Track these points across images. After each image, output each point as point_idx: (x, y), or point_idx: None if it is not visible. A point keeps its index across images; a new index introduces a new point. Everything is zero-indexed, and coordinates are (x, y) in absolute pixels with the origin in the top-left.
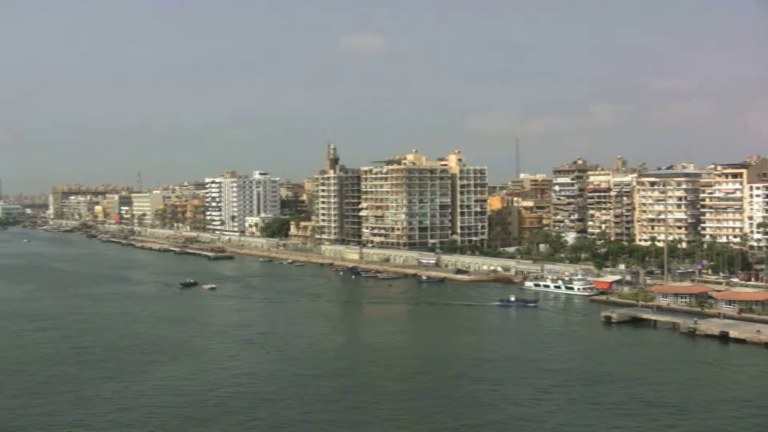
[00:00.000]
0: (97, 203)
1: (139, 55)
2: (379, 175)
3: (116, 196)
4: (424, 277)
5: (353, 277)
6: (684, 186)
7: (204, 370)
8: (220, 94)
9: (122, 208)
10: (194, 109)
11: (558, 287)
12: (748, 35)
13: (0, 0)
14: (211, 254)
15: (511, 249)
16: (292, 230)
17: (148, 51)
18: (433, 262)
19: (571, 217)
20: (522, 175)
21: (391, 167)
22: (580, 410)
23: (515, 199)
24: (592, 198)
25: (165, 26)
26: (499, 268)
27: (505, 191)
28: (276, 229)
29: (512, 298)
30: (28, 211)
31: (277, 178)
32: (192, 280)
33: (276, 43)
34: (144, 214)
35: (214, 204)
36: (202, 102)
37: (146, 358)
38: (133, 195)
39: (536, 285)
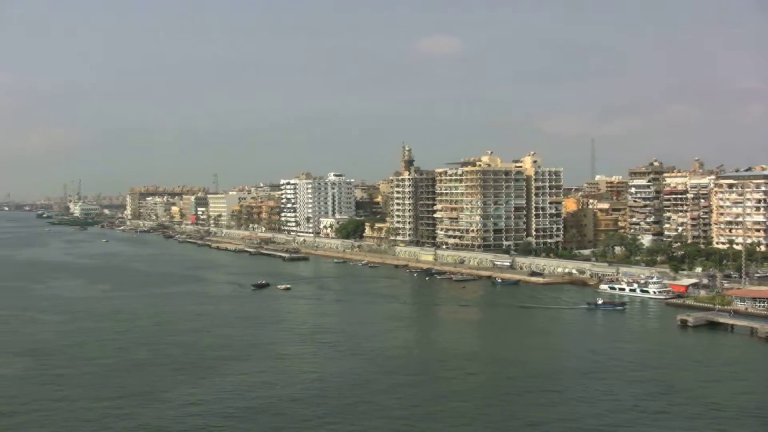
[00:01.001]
0: (174, 204)
1: (217, 56)
2: (454, 177)
3: (192, 197)
4: (499, 279)
5: (427, 278)
6: (763, 188)
7: (277, 369)
8: (296, 95)
9: (198, 209)
10: (270, 109)
11: (633, 290)
12: None
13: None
14: (285, 255)
15: (586, 251)
16: (367, 232)
17: (225, 52)
18: (508, 264)
19: (647, 220)
20: (597, 177)
21: (466, 169)
22: (660, 420)
23: (591, 201)
24: (669, 200)
25: (239, 26)
26: (574, 271)
27: (580, 193)
28: (351, 231)
29: (600, 302)
30: (106, 211)
31: (352, 180)
32: (264, 282)
33: (352, 44)
34: (220, 215)
35: (289, 205)
36: (279, 102)
37: (221, 357)
38: (209, 196)
39: (611, 288)
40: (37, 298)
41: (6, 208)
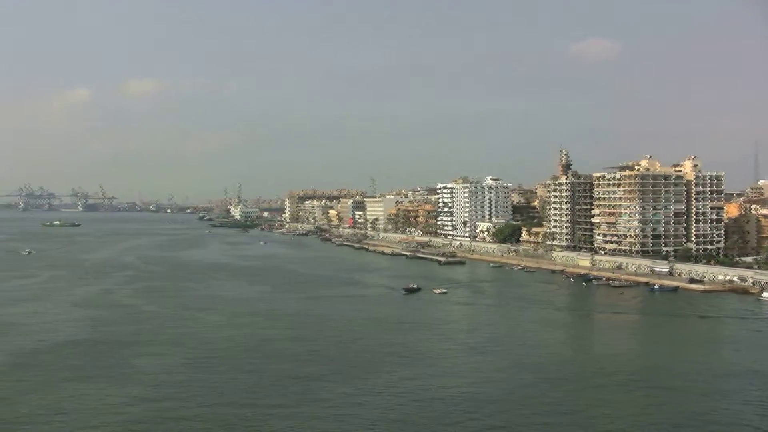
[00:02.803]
0: (332, 207)
1: (367, 60)
2: (612, 182)
3: (350, 201)
4: (657, 286)
5: (584, 284)
6: None
7: (430, 373)
8: (451, 99)
9: (356, 212)
10: (427, 113)
11: None
12: None
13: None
14: (442, 259)
15: (748, 259)
16: (524, 236)
17: (374, 55)
18: (666, 270)
19: None
20: (761, 182)
21: (624, 173)
22: None
23: (754, 206)
24: None
25: (394, 33)
26: (735, 278)
27: (742, 198)
28: (507, 235)
29: None
30: (266, 214)
31: (509, 184)
32: (415, 286)
33: (506, 46)
34: (377, 219)
35: (446, 209)
36: (435, 106)
37: (375, 360)
38: (366, 200)
39: None
40: (198, 297)
41: (169, 211)
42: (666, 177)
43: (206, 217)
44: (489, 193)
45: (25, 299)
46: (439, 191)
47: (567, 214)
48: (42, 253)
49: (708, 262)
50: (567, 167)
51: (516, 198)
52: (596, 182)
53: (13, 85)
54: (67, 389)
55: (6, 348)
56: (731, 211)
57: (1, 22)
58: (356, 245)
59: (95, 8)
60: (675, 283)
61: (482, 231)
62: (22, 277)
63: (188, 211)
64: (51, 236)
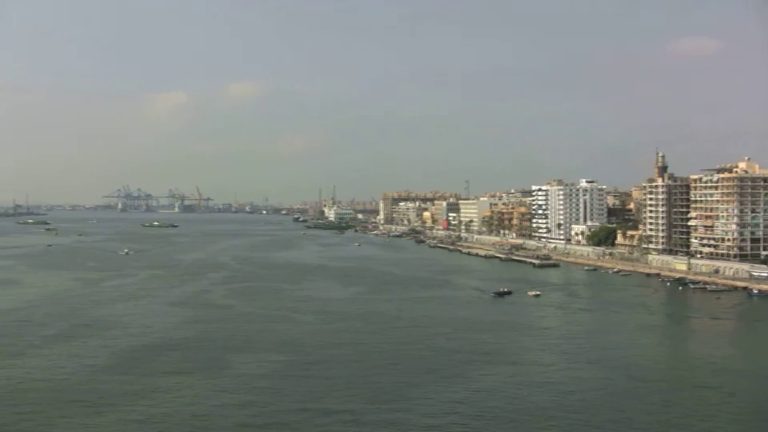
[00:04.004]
0: (426, 209)
1: (455, 60)
2: (709, 184)
3: (444, 203)
4: (755, 291)
5: (680, 288)
6: None
7: (522, 375)
8: (544, 101)
9: (450, 214)
10: (519, 114)
11: None
12: None
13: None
14: (536, 261)
15: None
16: (619, 239)
17: (460, 56)
18: (765, 274)
19: None
20: None
21: (721, 176)
22: None
23: None
24: None
25: (472, 30)
26: None
27: None
28: (602, 238)
29: None
30: (360, 216)
31: (604, 186)
32: (506, 289)
33: (602, 47)
34: (471, 221)
35: (540, 212)
36: (526, 108)
37: (466, 360)
38: (460, 202)
39: None
40: (293, 298)
41: (264, 212)
42: (765, 179)
43: (301, 219)
44: (584, 195)
45: (123, 299)
46: (534, 193)
47: (663, 217)
48: (140, 253)
49: None
50: (663, 169)
51: (611, 200)
52: (693, 185)
53: (114, 87)
54: (162, 387)
55: (104, 346)
56: None
57: (101, 26)
58: (450, 247)
59: (192, 13)
60: None
61: (577, 234)
62: (121, 277)
63: (283, 212)
64: (149, 237)
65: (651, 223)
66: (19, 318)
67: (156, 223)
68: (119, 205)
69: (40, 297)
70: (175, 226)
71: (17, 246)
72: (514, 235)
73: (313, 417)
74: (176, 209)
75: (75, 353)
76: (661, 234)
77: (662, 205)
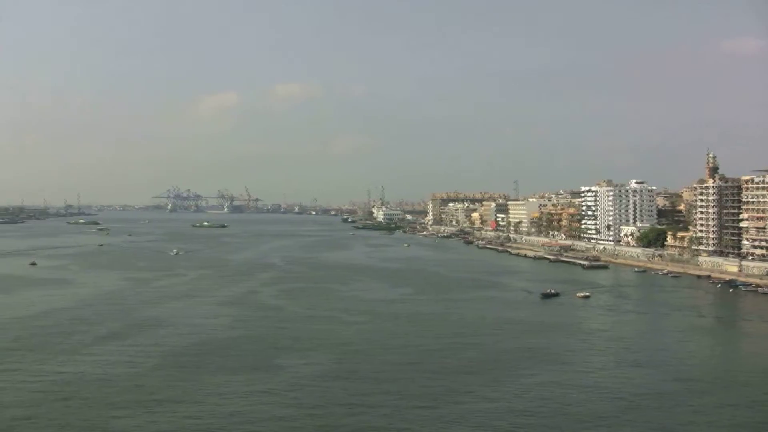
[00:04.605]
0: (474, 210)
1: (511, 60)
2: (761, 185)
3: (493, 204)
4: None
5: (731, 290)
6: None
7: (570, 377)
8: (593, 102)
9: (499, 215)
10: (568, 116)
11: None
12: None
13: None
14: (585, 263)
15: None
16: (669, 240)
17: (516, 56)
18: None
19: None
20: None
21: None
22: None
23: None
24: None
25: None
26: None
27: None
28: (652, 239)
29: None
30: (408, 216)
31: (654, 187)
32: (554, 291)
33: (648, 47)
34: (520, 222)
35: (589, 213)
36: (575, 110)
37: (516, 363)
38: (509, 203)
39: None
40: (341, 299)
41: (313, 213)
42: None
43: (349, 219)
44: (633, 196)
45: (172, 298)
46: (583, 194)
47: (714, 219)
48: (189, 253)
49: None
50: (714, 170)
51: (661, 201)
52: (744, 186)
53: (165, 89)
54: (211, 386)
55: (154, 344)
56: None
57: (151, 28)
58: (499, 248)
59: (243, 15)
60: None
61: (626, 235)
62: (170, 277)
63: (332, 212)
64: (199, 237)
65: (701, 225)
66: (72, 317)
67: (206, 223)
68: (169, 206)
69: (92, 296)
70: (225, 227)
71: (69, 246)
72: (563, 236)
73: (361, 417)
74: (225, 209)
75: (126, 352)
76: (711, 235)
77: (713, 206)
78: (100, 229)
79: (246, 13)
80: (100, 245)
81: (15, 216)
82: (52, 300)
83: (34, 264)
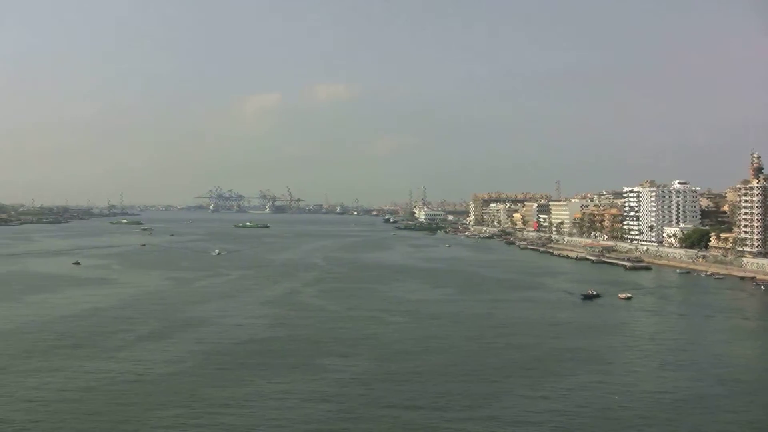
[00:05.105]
0: (516, 211)
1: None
2: None
3: (535, 205)
4: None
5: None
6: None
7: (611, 380)
8: (633, 98)
9: (540, 216)
10: (612, 118)
11: None
12: None
13: None
14: (627, 264)
15: None
16: (712, 242)
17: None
18: None
19: None
20: None
21: None
22: None
23: None
24: None
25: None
26: None
27: None
28: (695, 240)
29: None
30: (450, 217)
31: (697, 188)
32: (594, 292)
33: (690, 46)
34: (562, 223)
35: (632, 213)
36: (614, 107)
37: (555, 363)
38: (551, 203)
39: None
40: (383, 299)
41: (355, 213)
42: None
43: (391, 220)
44: (676, 197)
45: (214, 298)
46: (625, 195)
47: (758, 220)
48: (232, 253)
49: None
50: (758, 170)
51: (704, 202)
52: None
53: (208, 89)
54: (252, 386)
55: (196, 343)
56: None
57: (193, 29)
58: (540, 249)
59: (285, 16)
60: None
61: (669, 236)
62: (213, 276)
63: (373, 213)
64: (241, 237)
65: (746, 226)
66: (115, 316)
67: (249, 223)
68: (211, 206)
69: (135, 296)
70: (268, 227)
71: (112, 245)
72: (605, 237)
73: (403, 417)
74: (267, 210)
75: (168, 351)
76: (756, 236)
77: (757, 207)
78: (144, 229)
79: (288, 15)
80: (143, 245)
81: (59, 216)
82: (95, 299)
83: (77, 263)
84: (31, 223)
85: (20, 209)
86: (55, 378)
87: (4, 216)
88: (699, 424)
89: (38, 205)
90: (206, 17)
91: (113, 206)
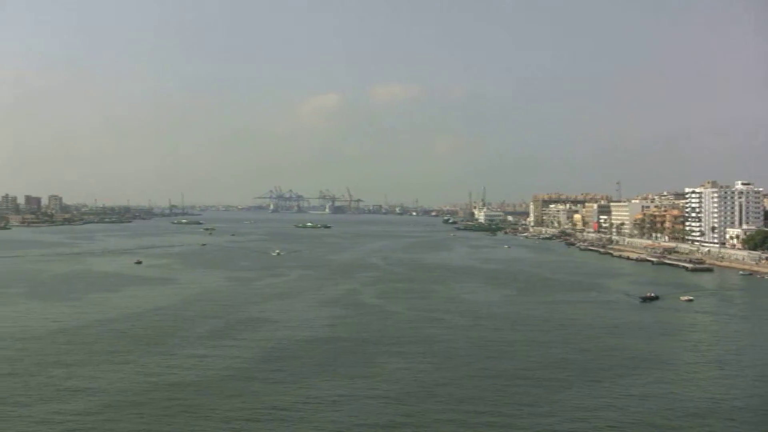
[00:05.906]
0: (576, 212)
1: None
2: None
3: (595, 205)
4: None
5: None
6: None
7: (670, 384)
8: (685, 104)
9: (600, 216)
10: (668, 119)
11: None
12: None
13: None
14: (689, 266)
15: None
16: None
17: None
18: None
19: None
20: None
21: None
22: None
23: None
24: None
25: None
26: None
27: None
28: (758, 242)
29: None
30: (509, 218)
31: (761, 189)
32: (653, 294)
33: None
34: (622, 224)
35: (693, 215)
36: (674, 113)
37: (614, 365)
38: (611, 204)
39: None
40: (442, 299)
41: (414, 213)
42: None
43: (450, 220)
44: (739, 198)
45: (274, 298)
46: (687, 196)
47: None
48: (291, 253)
49: None
50: None
51: None
52: None
53: (267, 90)
54: (310, 385)
55: (256, 342)
56: None
57: (254, 30)
58: (600, 250)
59: (342, 17)
60: None
61: (732, 237)
62: (272, 276)
63: (432, 213)
64: (301, 237)
65: None
66: (176, 314)
67: (309, 224)
68: (271, 206)
69: (195, 295)
70: (328, 227)
71: (173, 245)
72: (667, 238)
73: (462, 419)
74: (327, 210)
75: (228, 350)
76: None
77: None
78: (206, 229)
79: (345, 15)
80: (203, 245)
81: (121, 216)
82: (156, 298)
83: (139, 263)
84: (94, 222)
85: (83, 209)
86: (116, 374)
87: (67, 216)
88: (763, 429)
89: (100, 205)
90: (266, 18)
91: (174, 206)
